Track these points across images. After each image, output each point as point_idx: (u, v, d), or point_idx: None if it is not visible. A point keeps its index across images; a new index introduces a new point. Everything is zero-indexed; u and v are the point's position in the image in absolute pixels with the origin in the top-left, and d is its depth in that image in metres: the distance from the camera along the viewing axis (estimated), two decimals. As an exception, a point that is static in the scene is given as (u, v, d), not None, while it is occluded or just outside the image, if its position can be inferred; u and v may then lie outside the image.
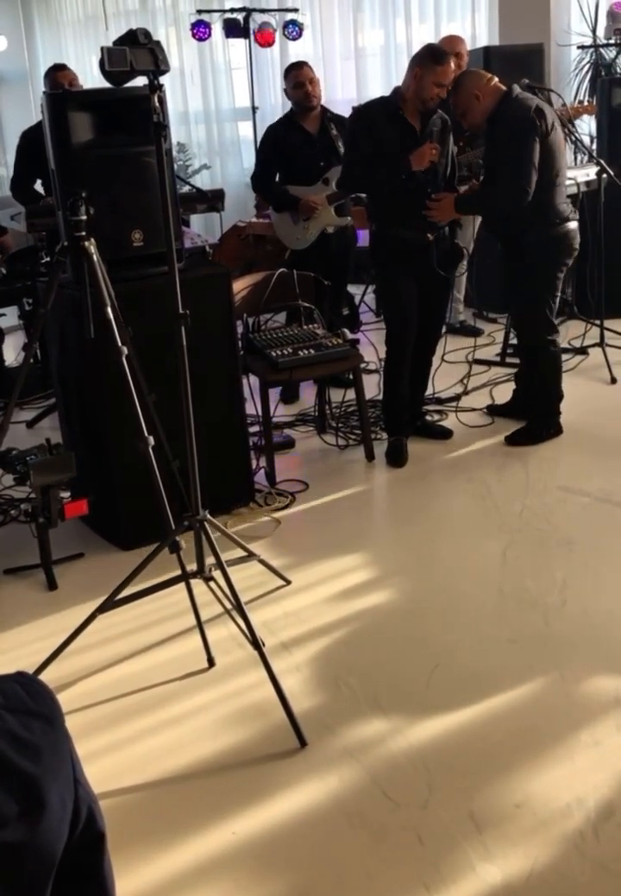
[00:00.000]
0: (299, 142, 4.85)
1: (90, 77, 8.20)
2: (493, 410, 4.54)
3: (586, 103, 6.21)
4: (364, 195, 4.78)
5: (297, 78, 4.83)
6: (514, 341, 5.03)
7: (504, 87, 3.88)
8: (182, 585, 2.68)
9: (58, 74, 5.01)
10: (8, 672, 1.10)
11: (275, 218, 5.05)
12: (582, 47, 7.03)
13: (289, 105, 5.11)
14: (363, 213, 5.66)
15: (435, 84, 3.75)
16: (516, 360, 4.99)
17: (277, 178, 4.96)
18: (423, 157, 3.77)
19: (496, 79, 3.93)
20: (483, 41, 7.28)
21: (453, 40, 5.45)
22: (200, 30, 7.60)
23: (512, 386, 4.63)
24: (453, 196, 3.94)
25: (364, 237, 5.43)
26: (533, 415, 4.22)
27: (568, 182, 4.22)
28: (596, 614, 2.82)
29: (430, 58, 3.80)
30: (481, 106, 3.86)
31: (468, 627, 2.81)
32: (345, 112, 5.46)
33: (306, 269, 4.43)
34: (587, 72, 7.06)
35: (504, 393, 4.73)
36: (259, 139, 5.29)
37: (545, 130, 3.80)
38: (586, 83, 7.04)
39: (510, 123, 3.81)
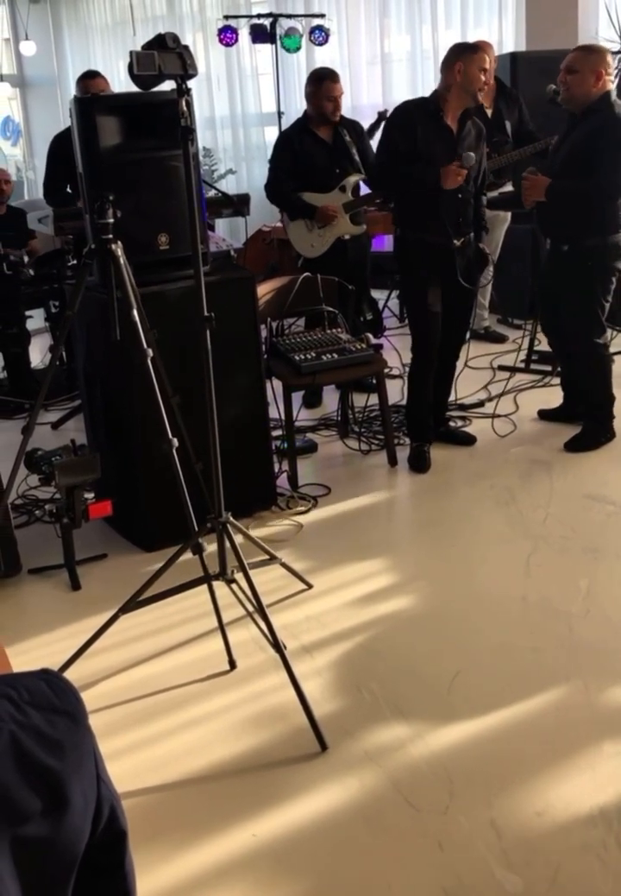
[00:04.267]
0: (314, 148, 4.81)
1: (117, 82, 8.28)
2: (544, 415, 4.51)
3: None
4: (388, 199, 4.76)
5: (330, 91, 4.75)
6: (539, 347, 5.02)
7: (611, 85, 3.88)
8: (204, 587, 2.69)
9: (89, 83, 5.00)
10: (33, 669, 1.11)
11: (289, 225, 4.99)
12: (610, 53, 6.98)
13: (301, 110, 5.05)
14: (383, 219, 5.66)
15: (480, 71, 3.75)
16: (541, 368, 4.97)
17: (291, 186, 4.89)
18: (450, 175, 3.75)
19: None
20: (510, 47, 7.26)
21: (480, 45, 5.43)
22: (227, 35, 7.64)
23: (538, 392, 4.60)
24: (546, 180, 3.92)
25: (387, 242, 5.43)
26: (589, 420, 4.20)
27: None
28: (620, 623, 2.80)
29: (466, 48, 3.86)
30: (591, 89, 3.83)
31: (491, 634, 2.79)
32: (370, 117, 5.48)
33: (322, 276, 4.42)
34: (615, 77, 7.01)
35: (529, 399, 4.70)
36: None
37: None
38: (613, 89, 6.99)
39: (618, 123, 3.80)
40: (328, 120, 4.81)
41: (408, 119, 3.85)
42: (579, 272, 3.97)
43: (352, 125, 4.95)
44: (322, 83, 4.79)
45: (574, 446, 4.14)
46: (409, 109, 3.94)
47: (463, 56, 3.77)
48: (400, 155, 3.84)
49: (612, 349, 5.05)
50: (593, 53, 3.91)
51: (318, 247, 4.88)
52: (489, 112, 5.23)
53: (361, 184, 4.97)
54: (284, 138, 4.97)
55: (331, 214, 4.77)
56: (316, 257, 4.88)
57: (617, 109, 3.84)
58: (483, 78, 3.77)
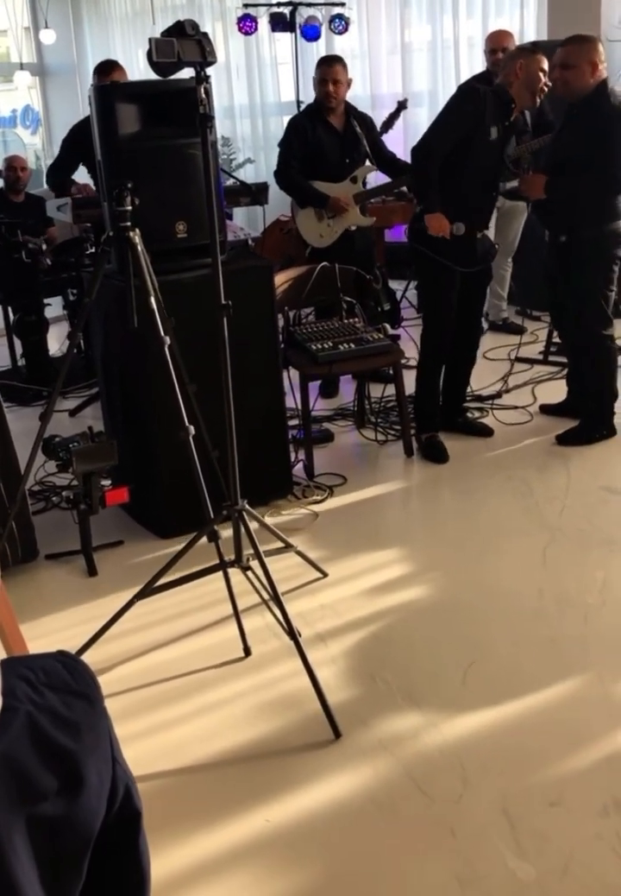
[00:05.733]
0: (325, 137, 4.78)
1: (136, 72, 8.27)
2: (546, 410, 4.48)
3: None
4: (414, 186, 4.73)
5: (323, 74, 4.73)
6: (558, 340, 4.99)
7: (606, 75, 3.84)
8: (220, 574, 2.70)
9: (106, 77, 4.98)
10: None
11: (299, 214, 4.96)
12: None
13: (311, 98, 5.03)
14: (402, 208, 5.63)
15: (540, 71, 3.76)
16: (559, 359, 4.94)
17: (302, 174, 4.85)
18: (434, 222, 3.79)
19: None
20: (531, 36, 7.19)
21: (501, 35, 5.41)
22: (247, 24, 7.61)
23: (556, 384, 4.58)
24: (543, 178, 3.92)
25: (405, 232, 5.39)
26: (586, 414, 4.17)
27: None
28: (636, 615, 2.79)
29: (527, 49, 3.91)
30: (587, 80, 3.80)
31: (505, 625, 2.79)
32: (390, 107, 5.45)
33: None
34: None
35: (546, 391, 4.69)
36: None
37: None
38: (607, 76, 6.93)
39: (617, 115, 3.76)
40: (327, 105, 4.76)
41: (482, 104, 3.79)
42: (577, 262, 3.93)
43: (362, 118, 4.93)
44: (320, 67, 4.79)
45: (567, 439, 4.11)
46: (484, 94, 3.84)
47: (524, 55, 3.82)
48: (459, 135, 3.78)
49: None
50: (586, 44, 3.84)
51: (328, 237, 4.87)
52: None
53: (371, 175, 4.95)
54: (295, 125, 4.91)
55: (344, 205, 4.76)
56: (324, 248, 4.86)
57: (614, 99, 3.79)
58: (544, 79, 3.78)
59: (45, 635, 2.85)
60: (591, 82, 3.80)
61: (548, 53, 5.88)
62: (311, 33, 7.47)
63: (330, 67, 4.76)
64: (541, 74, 3.77)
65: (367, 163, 4.82)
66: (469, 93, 3.97)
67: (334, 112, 4.80)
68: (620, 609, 2.83)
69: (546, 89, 3.81)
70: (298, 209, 4.96)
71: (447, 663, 2.61)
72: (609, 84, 3.83)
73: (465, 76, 6.89)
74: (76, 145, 5.03)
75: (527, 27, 7.40)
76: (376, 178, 5.18)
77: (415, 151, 3.93)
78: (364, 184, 4.87)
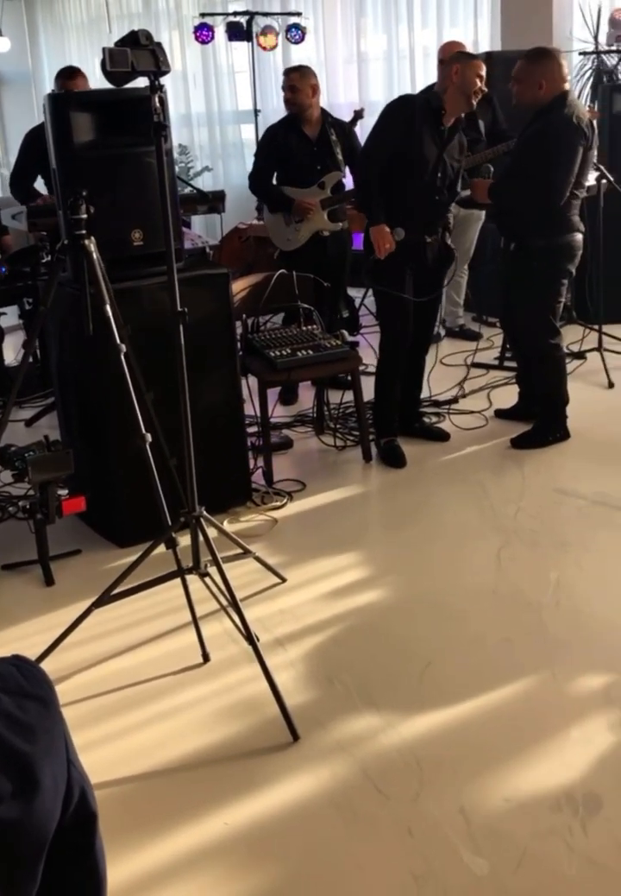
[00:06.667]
0: (297, 144, 4.88)
1: (93, 79, 8.24)
2: (501, 414, 4.55)
3: (587, 109, 6.25)
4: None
5: (283, 83, 4.90)
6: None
7: (566, 88, 3.89)
8: (178, 582, 2.70)
9: (69, 82, 4.95)
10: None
11: (268, 218, 5.07)
12: (583, 53, 7.06)
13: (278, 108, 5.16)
14: (360, 216, 5.68)
15: (476, 76, 3.80)
16: (514, 365, 5.02)
17: (274, 180, 4.99)
18: (379, 237, 3.86)
19: (566, 76, 3.92)
20: (485, 46, 7.31)
21: (454, 45, 5.47)
22: (203, 33, 7.64)
23: (511, 389, 4.65)
24: (488, 182, 3.99)
25: (359, 240, 5.43)
26: (539, 418, 4.24)
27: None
28: (588, 614, 2.85)
29: (464, 54, 3.98)
30: (537, 95, 3.86)
31: (462, 626, 2.83)
32: (347, 116, 5.51)
33: (298, 271, 4.45)
34: (589, 78, 7.09)
35: (501, 396, 4.76)
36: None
37: (588, 144, 3.88)
38: (587, 89, 7.08)
39: (566, 127, 3.81)
40: (290, 112, 4.88)
41: (411, 112, 3.86)
42: (526, 272, 4.00)
43: (340, 125, 5.01)
44: (283, 77, 4.95)
45: (521, 443, 4.18)
46: (413, 103, 3.95)
47: (460, 59, 3.86)
48: (392, 144, 3.85)
49: (588, 346, 5.20)
50: (533, 64, 3.90)
51: (294, 241, 4.93)
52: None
53: (343, 182, 5.00)
54: (270, 132, 5.05)
55: (307, 208, 4.82)
56: (294, 251, 4.92)
57: (567, 111, 3.83)
58: (479, 84, 3.82)
59: (1, 645, 2.83)
60: (541, 96, 3.86)
61: (502, 64, 5.99)
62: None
63: (287, 76, 4.91)
64: (477, 80, 3.80)
65: (337, 170, 4.90)
66: (397, 102, 4.03)
67: (307, 120, 4.88)
68: (573, 608, 2.89)
69: (480, 95, 3.85)
70: (268, 214, 5.04)
71: (404, 664, 2.64)
72: (568, 97, 3.87)
73: (421, 85, 6.95)
74: (33, 151, 5.01)
75: (481, 38, 7.52)
76: (350, 185, 5.24)
77: (356, 165, 4.03)
78: (333, 190, 4.93)
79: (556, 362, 4.16)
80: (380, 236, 3.87)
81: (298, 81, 4.82)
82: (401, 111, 3.90)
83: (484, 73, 3.85)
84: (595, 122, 4.08)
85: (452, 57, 3.96)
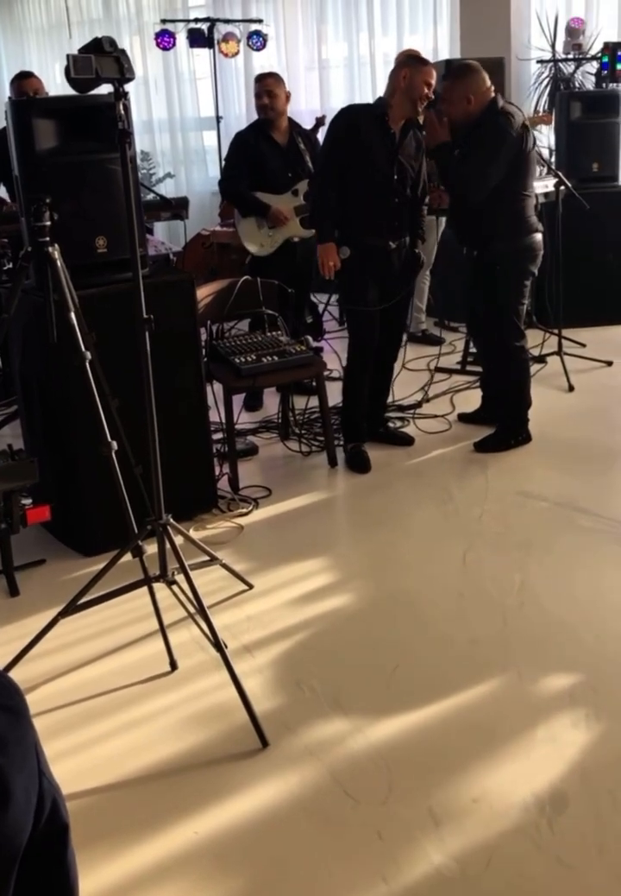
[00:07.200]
0: (268, 151, 4.90)
1: (53, 85, 8.19)
2: (464, 418, 4.59)
3: (536, 113, 6.37)
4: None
5: (258, 89, 4.90)
6: (475, 349, 5.12)
7: (492, 95, 3.93)
8: (144, 590, 2.69)
9: (23, 83, 5.00)
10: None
11: (241, 222, 5.06)
12: (541, 61, 7.18)
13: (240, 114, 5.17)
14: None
15: (424, 83, 3.82)
16: (476, 369, 5.08)
17: (245, 184, 4.98)
18: (326, 254, 3.92)
19: (491, 85, 3.96)
20: (444, 54, 7.39)
21: (411, 52, 5.52)
22: (164, 39, 7.63)
23: (474, 392, 4.70)
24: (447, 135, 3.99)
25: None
26: (502, 421, 4.29)
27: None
28: (552, 615, 2.89)
29: (415, 59, 3.95)
30: (467, 110, 3.91)
31: (428, 629, 2.86)
32: (309, 123, 5.54)
33: (267, 276, 4.47)
34: (546, 86, 7.20)
35: (465, 400, 4.81)
36: (227, 146, 5.32)
37: (528, 146, 3.92)
38: (545, 97, 7.19)
39: (496, 131, 3.85)
40: (266, 118, 4.89)
41: (353, 120, 3.92)
42: (491, 276, 4.05)
43: (306, 135, 5.06)
44: (256, 83, 4.96)
45: (484, 446, 4.23)
46: (355, 112, 4.02)
47: (410, 64, 3.88)
48: (340, 156, 3.89)
49: (548, 350, 5.27)
50: (458, 81, 3.96)
51: (268, 246, 4.95)
52: (421, 118, 5.33)
53: None
54: (239, 138, 5.06)
55: (284, 217, 4.84)
56: (264, 256, 4.94)
57: (501, 118, 3.87)
58: (426, 91, 3.85)
59: (-34, 657, 2.80)
60: (472, 110, 3.91)
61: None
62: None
63: (262, 82, 4.90)
64: (425, 87, 3.83)
65: (307, 178, 4.92)
66: (339, 114, 4.06)
67: (277, 128, 4.90)
68: (538, 610, 2.92)
69: (425, 101, 3.88)
70: (240, 218, 5.03)
71: (371, 668, 2.65)
72: (499, 103, 3.91)
73: (381, 92, 7.03)
74: None
75: (441, 44, 7.60)
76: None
77: (311, 181, 4.07)
78: (305, 197, 4.94)
79: (521, 364, 4.22)
80: (325, 254, 3.93)
81: (275, 87, 4.86)
82: (344, 123, 3.96)
83: (432, 80, 3.88)
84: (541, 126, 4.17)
85: (402, 61, 3.97)
